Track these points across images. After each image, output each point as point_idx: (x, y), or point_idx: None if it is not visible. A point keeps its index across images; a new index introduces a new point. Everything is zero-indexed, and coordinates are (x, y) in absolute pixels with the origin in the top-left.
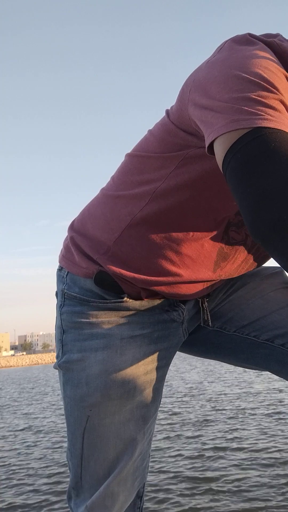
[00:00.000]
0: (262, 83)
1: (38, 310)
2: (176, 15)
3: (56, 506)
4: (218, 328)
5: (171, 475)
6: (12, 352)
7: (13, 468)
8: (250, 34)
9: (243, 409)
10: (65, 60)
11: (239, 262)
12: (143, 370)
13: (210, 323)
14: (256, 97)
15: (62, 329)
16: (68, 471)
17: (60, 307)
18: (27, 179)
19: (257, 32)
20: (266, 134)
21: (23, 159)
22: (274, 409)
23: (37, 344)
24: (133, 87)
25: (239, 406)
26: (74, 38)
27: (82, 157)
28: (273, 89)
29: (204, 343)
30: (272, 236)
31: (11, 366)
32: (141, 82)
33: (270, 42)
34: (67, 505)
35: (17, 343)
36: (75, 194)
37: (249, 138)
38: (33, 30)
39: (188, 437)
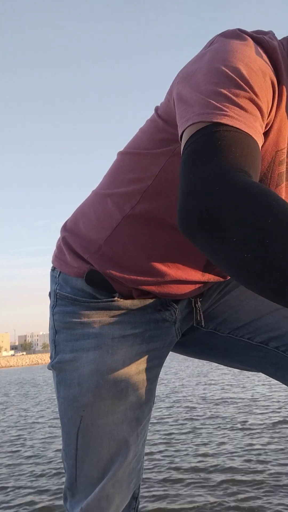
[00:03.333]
0: (237, 79)
1: (38, 310)
2: (176, 11)
3: (54, 506)
4: (212, 329)
5: (167, 477)
6: (12, 352)
7: (10, 468)
8: (239, 29)
9: (237, 413)
10: (63, 58)
11: None
12: (135, 370)
13: (203, 323)
14: (226, 93)
15: (55, 330)
16: (64, 472)
17: (53, 307)
18: (26, 179)
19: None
20: (220, 131)
21: (22, 159)
22: (271, 413)
23: (37, 344)
24: (134, 85)
25: (235, 410)
26: (73, 36)
27: (81, 157)
28: (246, 87)
29: (198, 344)
30: (195, 231)
31: (11, 366)
32: (142, 80)
33: (260, 39)
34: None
35: (17, 343)
36: (73, 194)
37: (203, 132)
38: (29, 27)
39: (182, 439)
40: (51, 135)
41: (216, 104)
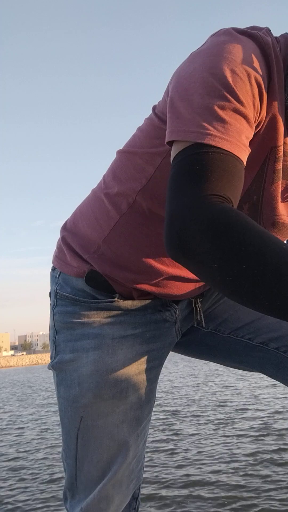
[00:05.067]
0: (223, 90)
1: (38, 310)
2: (176, 16)
3: (53, 507)
4: (212, 330)
5: (166, 478)
6: (12, 352)
7: (9, 468)
8: (233, 28)
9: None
10: (64, 64)
11: None
12: (135, 370)
13: (203, 324)
14: (212, 106)
15: (55, 330)
16: (64, 472)
17: (53, 307)
18: (23, 179)
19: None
20: (201, 153)
21: (21, 160)
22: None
23: (37, 344)
24: (130, 89)
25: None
26: (72, 42)
27: (79, 156)
28: (231, 98)
29: (199, 345)
30: (177, 257)
31: (11, 366)
32: (140, 84)
33: (253, 34)
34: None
35: (17, 343)
36: (71, 194)
37: (187, 153)
38: (30, 33)
39: (183, 440)
40: (50, 135)
41: (201, 122)
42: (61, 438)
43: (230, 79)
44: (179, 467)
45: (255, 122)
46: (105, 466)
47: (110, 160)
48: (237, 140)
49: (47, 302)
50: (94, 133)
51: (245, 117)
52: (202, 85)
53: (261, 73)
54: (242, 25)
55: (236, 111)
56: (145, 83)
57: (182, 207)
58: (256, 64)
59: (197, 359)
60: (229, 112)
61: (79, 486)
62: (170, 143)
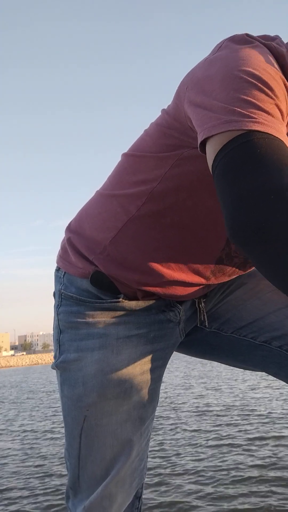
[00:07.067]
0: (260, 85)
1: (38, 310)
2: (178, 8)
3: (54, 506)
4: (215, 329)
5: (169, 477)
6: (12, 352)
7: (10, 467)
8: (247, 35)
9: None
10: (63, 56)
11: (235, 276)
12: (139, 370)
13: (206, 324)
14: (251, 99)
15: (59, 329)
16: (66, 471)
17: (57, 307)
18: (23, 179)
19: (260, 30)
20: (255, 139)
21: (19, 159)
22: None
23: (37, 344)
24: (132, 84)
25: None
26: (73, 34)
27: (78, 157)
28: (270, 93)
29: (202, 344)
30: (250, 241)
31: (11, 366)
32: (141, 78)
33: (268, 45)
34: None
35: (17, 343)
36: (70, 194)
37: (238, 141)
38: (29, 26)
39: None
40: (48, 135)
41: (242, 111)
42: (61, 438)
43: (264, 77)
44: (173, 472)
45: (285, 124)
46: (109, 465)
47: (114, 160)
48: (281, 130)
49: (47, 302)
50: (93, 134)
51: (281, 113)
52: (235, 82)
53: (282, 76)
54: (245, 20)
55: (275, 105)
56: (148, 75)
57: (254, 192)
58: (277, 68)
59: (196, 359)
60: (269, 105)
61: (82, 485)
62: (202, 144)
